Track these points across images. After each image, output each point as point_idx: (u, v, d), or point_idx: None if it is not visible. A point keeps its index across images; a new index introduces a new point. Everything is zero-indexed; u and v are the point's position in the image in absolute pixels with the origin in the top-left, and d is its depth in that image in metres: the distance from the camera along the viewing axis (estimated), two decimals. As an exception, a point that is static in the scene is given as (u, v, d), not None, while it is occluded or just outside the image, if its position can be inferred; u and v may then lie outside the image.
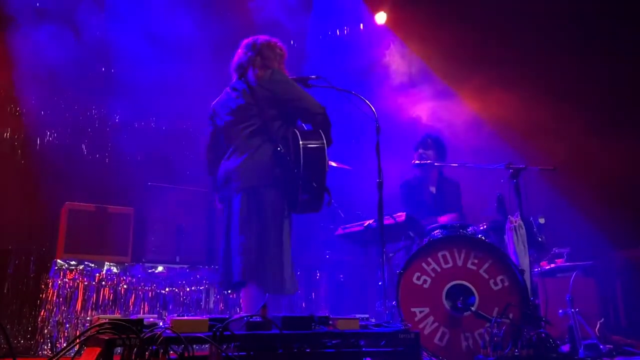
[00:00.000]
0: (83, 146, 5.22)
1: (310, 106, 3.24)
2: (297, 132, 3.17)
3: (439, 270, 3.66)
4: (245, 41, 3.45)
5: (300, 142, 3.13)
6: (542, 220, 4.11)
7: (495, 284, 3.63)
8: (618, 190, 5.43)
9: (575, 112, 5.57)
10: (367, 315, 3.00)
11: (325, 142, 3.19)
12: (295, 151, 3.14)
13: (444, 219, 4.49)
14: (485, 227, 4.14)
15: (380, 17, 6.47)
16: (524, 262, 3.74)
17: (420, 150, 4.69)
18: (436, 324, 3.57)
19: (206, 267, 4.70)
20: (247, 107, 3.26)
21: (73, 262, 4.26)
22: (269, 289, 3.08)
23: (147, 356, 2.04)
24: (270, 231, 3.12)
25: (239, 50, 3.45)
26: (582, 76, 5.71)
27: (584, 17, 5.69)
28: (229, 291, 4.31)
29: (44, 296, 4.25)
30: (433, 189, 4.80)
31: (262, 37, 3.45)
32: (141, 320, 2.25)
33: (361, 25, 6.78)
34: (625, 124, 5.52)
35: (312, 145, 3.17)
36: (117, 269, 4.40)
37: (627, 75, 5.56)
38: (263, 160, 3.16)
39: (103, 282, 4.31)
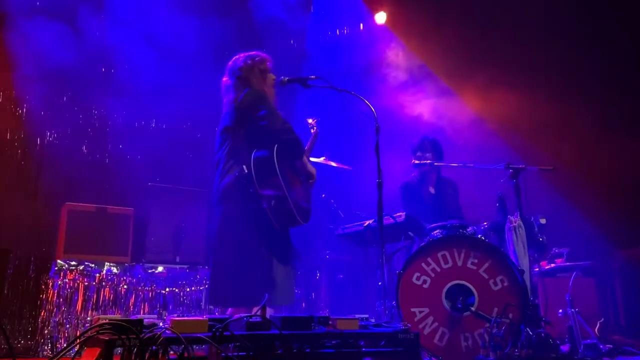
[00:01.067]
0: (83, 147, 5.23)
1: (273, 127, 3.25)
2: (254, 150, 3.23)
3: (438, 270, 3.66)
4: (228, 65, 3.51)
5: (252, 160, 3.19)
6: (543, 221, 4.12)
7: (495, 284, 3.64)
8: (618, 190, 5.43)
9: (575, 112, 5.57)
10: (366, 316, 3.00)
11: (274, 152, 3.19)
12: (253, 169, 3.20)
13: None
14: (485, 227, 4.15)
15: (380, 17, 6.47)
16: (524, 262, 3.74)
17: (418, 154, 4.70)
18: (436, 324, 3.57)
19: (206, 267, 4.69)
20: (225, 130, 3.36)
21: (73, 263, 4.27)
22: (243, 303, 3.11)
23: (147, 356, 2.04)
24: (240, 248, 3.17)
25: (224, 79, 3.51)
26: (582, 76, 5.71)
27: (588, 15, 5.69)
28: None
29: (44, 296, 4.24)
30: (432, 190, 4.81)
31: (240, 58, 3.48)
32: (141, 320, 2.25)
33: (361, 25, 6.78)
34: (626, 124, 5.52)
35: (260, 160, 3.20)
36: (117, 269, 4.40)
37: (630, 74, 5.55)
38: (230, 181, 3.23)
39: (103, 283, 4.31)
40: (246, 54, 3.50)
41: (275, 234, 3.25)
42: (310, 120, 3.85)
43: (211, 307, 3.44)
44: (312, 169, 3.53)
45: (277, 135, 3.25)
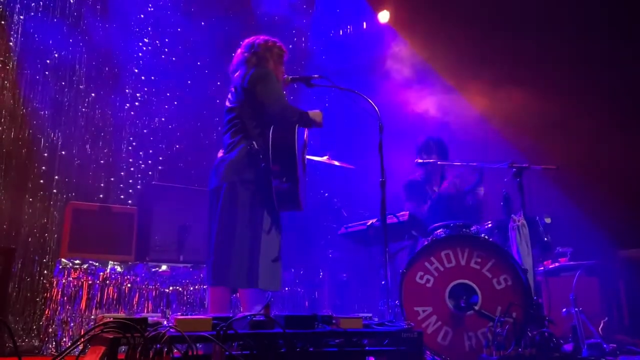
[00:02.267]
0: (87, 146, 5.24)
1: (268, 105, 3.22)
2: (272, 128, 3.19)
3: (442, 269, 3.66)
4: (245, 41, 3.49)
5: (270, 136, 3.16)
6: (548, 220, 4.11)
7: (499, 283, 3.63)
8: (622, 189, 5.42)
9: (579, 112, 5.55)
10: (370, 315, 3.00)
11: (295, 134, 3.17)
12: (266, 145, 3.17)
13: (444, 186, 4.54)
14: (489, 226, 4.15)
15: (383, 16, 6.47)
16: (527, 261, 3.74)
17: (423, 155, 4.70)
18: (439, 323, 3.57)
19: (209, 266, 4.70)
20: (232, 108, 3.34)
21: (77, 261, 4.28)
22: (239, 283, 3.09)
23: (151, 355, 2.05)
24: (243, 227, 3.13)
25: (238, 51, 3.49)
26: (587, 74, 5.69)
27: (592, 14, 5.67)
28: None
29: (48, 295, 4.26)
30: (436, 189, 4.81)
31: (261, 37, 3.49)
32: (145, 319, 2.25)
33: (364, 23, 6.78)
34: (631, 123, 5.50)
35: (280, 137, 3.17)
36: (121, 268, 4.42)
37: (636, 74, 5.53)
38: (239, 158, 3.20)
39: (107, 281, 4.33)
40: (267, 36, 3.50)
41: (276, 214, 3.25)
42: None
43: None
44: (319, 118, 3.40)
45: (281, 112, 3.23)
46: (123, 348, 2.11)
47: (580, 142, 5.55)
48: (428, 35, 6.17)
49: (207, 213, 3.36)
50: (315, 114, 3.37)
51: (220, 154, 3.37)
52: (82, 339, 2.29)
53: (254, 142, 3.20)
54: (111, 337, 2.10)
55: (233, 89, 3.38)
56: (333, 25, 6.79)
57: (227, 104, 3.41)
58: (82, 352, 2.27)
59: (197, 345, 2.30)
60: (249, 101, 3.28)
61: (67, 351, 2.23)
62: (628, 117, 5.54)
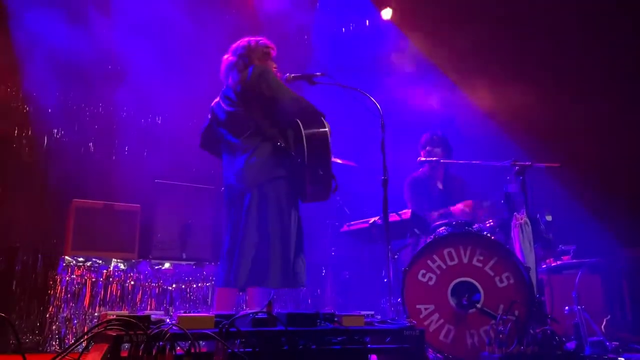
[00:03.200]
0: (90, 144, 5.25)
1: (280, 101, 3.21)
2: (299, 122, 3.19)
3: (444, 267, 3.66)
4: (232, 46, 3.50)
5: (304, 131, 3.15)
6: (549, 218, 4.11)
7: (501, 281, 3.63)
8: (625, 188, 5.41)
9: (583, 110, 5.54)
10: (372, 312, 3.01)
11: (324, 124, 3.20)
12: (298, 141, 3.16)
13: (458, 208, 4.49)
14: (491, 224, 4.14)
15: (386, 13, 6.46)
16: (530, 259, 3.74)
17: (428, 148, 4.70)
18: (441, 321, 3.57)
19: (212, 263, 4.72)
20: (236, 114, 3.29)
21: (81, 259, 4.30)
22: (276, 284, 3.09)
23: (154, 352, 2.06)
24: (276, 226, 3.14)
25: (226, 56, 3.50)
26: (591, 73, 5.67)
27: (596, 12, 5.64)
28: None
29: (52, 292, 4.28)
30: (440, 185, 4.81)
31: (245, 39, 3.49)
32: (148, 316, 2.26)
33: (367, 21, 6.77)
34: (636, 121, 5.48)
35: (315, 132, 3.18)
36: (124, 266, 4.43)
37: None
38: (263, 159, 3.18)
39: (110, 279, 4.35)
40: (252, 37, 3.51)
41: (298, 209, 3.28)
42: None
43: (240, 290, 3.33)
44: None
45: (295, 106, 3.23)
46: (126, 345, 2.12)
47: (584, 140, 5.54)
48: (431, 32, 6.16)
49: (212, 210, 3.35)
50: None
51: (229, 162, 3.31)
52: (86, 337, 2.30)
53: (278, 142, 3.19)
54: (114, 334, 2.12)
55: (232, 94, 3.35)
56: (336, 22, 6.78)
57: (224, 107, 3.36)
58: (86, 349, 2.28)
59: (200, 342, 2.31)
60: (255, 102, 3.24)
61: (70, 349, 2.24)
62: (633, 115, 5.52)
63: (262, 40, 3.50)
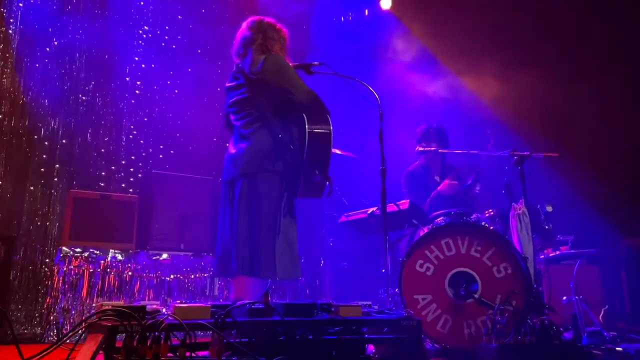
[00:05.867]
0: (87, 134, 5.23)
1: (296, 96, 3.12)
2: (305, 116, 3.10)
3: (442, 257, 3.66)
4: (250, 19, 3.35)
5: (307, 128, 3.07)
6: (549, 209, 4.10)
7: (499, 271, 3.63)
8: (624, 178, 5.40)
9: (581, 99, 5.51)
10: (369, 303, 3.00)
11: (330, 125, 3.12)
12: (300, 137, 3.08)
13: (443, 184, 4.52)
14: (490, 214, 4.14)
15: (386, 2, 6.42)
16: (528, 249, 3.73)
17: (423, 143, 4.67)
18: (439, 311, 3.57)
19: (210, 254, 4.71)
20: (244, 98, 3.20)
21: (78, 250, 4.29)
22: (260, 274, 3.04)
23: (149, 343, 2.05)
24: (264, 217, 3.06)
25: (242, 29, 3.34)
26: (590, 60, 5.64)
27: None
28: (227, 277, 4.30)
29: (49, 283, 4.28)
30: (437, 178, 4.79)
31: (268, 18, 3.37)
32: (144, 307, 2.26)
33: (366, 10, 6.73)
34: (635, 111, 5.46)
35: (318, 131, 3.09)
36: (122, 256, 4.42)
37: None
38: (262, 148, 3.10)
39: (108, 269, 4.34)
40: (274, 20, 3.38)
41: (293, 204, 3.20)
42: None
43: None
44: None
45: (307, 101, 3.13)
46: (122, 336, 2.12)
47: (583, 129, 5.52)
48: (430, 22, 6.12)
49: (218, 203, 3.29)
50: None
51: (231, 145, 3.26)
52: (81, 327, 2.30)
53: (279, 134, 3.11)
54: (109, 325, 2.11)
55: (239, 74, 3.23)
56: (334, 11, 6.74)
57: (232, 85, 3.26)
58: (82, 339, 2.28)
59: (197, 332, 2.31)
60: (263, 90, 3.15)
61: (65, 339, 2.24)
62: (632, 105, 5.50)
63: (284, 28, 3.38)
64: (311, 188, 3.10)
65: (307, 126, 3.07)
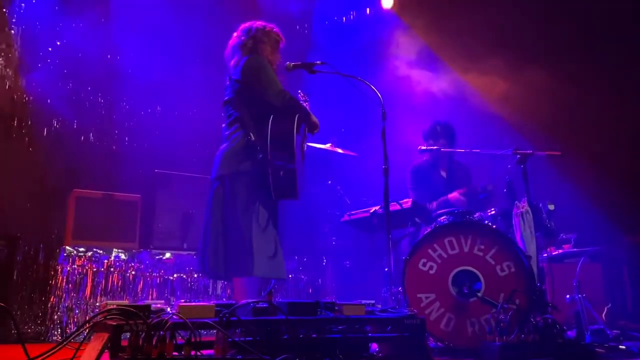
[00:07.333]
0: (90, 134, 5.23)
1: (268, 96, 3.18)
2: (272, 117, 3.15)
3: (445, 256, 3.66)
4: (242, 26, 3.45)
5: (269, 125, 3.11)
6: (551, 207, 4.10)
7: (502, 269, 3.63)
8: (627, 176, 5.39)
9: (584, 98, 5.51)
10: (373, 301, 3.01)
11: (294, 124, 3.13)
12: (266, 136, 3.12)
13: (453, 195, 4.49)
14: (493, 212, 4.13)
15: (387, 1, 6.41)
16: (531, 248, 3.73)
17: (430, 141, 4.66)
18: (442, 310, 3.58)
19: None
20: (228, 100, 3.31)
21: (82, 249, 4.30)
22: (238, 272, 3.06)
23: (154, 342, 2.06)
24: (237, 219, 3.10)
25: (234, 35, 3.44)
26: (593, 60, 5.63)
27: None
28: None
29: (53, 282, 4.29)
30: (444, 174, 4.79)
31: (259, 22, 3.45)
32: (148, 306, 2.27)
33: (367, 9, 6.72)
34: (637, 109, 5.45)
35: (280, 130, 3.12)
36: (125, 256, 4.43)
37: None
38: (235, 150, 3.17)
39: (111, 269, 4.35)
40: (265, 22, 3.46)
41: (272, 205, 3.23)
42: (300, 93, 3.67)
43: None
44: (316, 120, 3.41)
45: (278, 102, 3.18)
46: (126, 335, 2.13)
47: (585, 128, 5.51)
48: (432, 20, 6.11)
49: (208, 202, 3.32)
50: (314, 117, 3.39)
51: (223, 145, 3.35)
52: (86, 326, 2.30)
53: (250, 134, 3.16)
54: (114, 324, 2.12)
55: (228, 80, 3.34)
56: (336, 11, 6.74)
57: (225, 96, 3.38)
58: (87, 338, 2.28)
59: (201, 331, 2.31)
60: (243, 92, 3.24)
61: (70, 338, 2.24)
62: (635, 103, 5.49)
63: (276, 28, 3.47)
64: (281, 187, 3.11)
65: (269, 124, 3.11)
